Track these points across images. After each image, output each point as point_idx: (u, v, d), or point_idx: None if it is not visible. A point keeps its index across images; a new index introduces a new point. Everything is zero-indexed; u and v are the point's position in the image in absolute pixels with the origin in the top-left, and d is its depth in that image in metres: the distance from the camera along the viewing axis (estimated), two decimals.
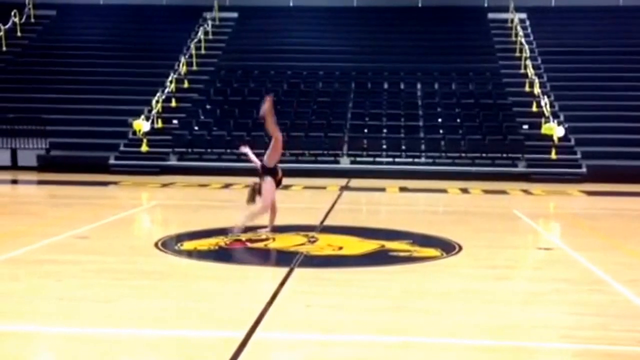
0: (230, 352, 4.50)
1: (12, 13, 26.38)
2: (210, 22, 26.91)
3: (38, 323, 5.20)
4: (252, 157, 9.31)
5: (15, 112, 21.23)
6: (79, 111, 21.90)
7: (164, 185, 16.63)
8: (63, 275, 6.71)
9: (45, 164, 19.99)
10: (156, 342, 4.81)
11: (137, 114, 21.07)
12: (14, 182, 18.33)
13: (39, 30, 27.24)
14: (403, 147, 20.43)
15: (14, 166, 20.63)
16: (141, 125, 20.29)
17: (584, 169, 19.13)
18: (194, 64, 24.53)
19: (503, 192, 16.11)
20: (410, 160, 20.06)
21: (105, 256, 7.77)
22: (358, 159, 20.16)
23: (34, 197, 15.92)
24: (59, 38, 26.46)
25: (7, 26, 26.01)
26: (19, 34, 26.47)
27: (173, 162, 20.23)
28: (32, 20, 27.58)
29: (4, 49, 25.49)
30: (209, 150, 20.28)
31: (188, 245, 8.51)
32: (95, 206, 12.60)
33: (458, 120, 21.41)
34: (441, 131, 20.89)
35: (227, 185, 16.69)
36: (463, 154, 19.97)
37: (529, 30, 26.33)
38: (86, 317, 5.34)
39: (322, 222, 10.67)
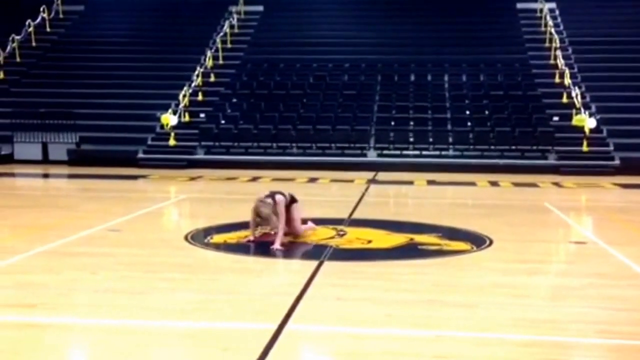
0: (262, 344, 4.52)
1: (41, 9, 26.67)
2: (235, 16, 26.95)
3: (73, 315, 5.28)
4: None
5: (45, 106, 21.48)
6: (107, 105, 22.11)
7: (192, 179, 16.73)
8: (97, 267, 6.79)
9: (76, 158, 20.23)
10: (189, 334, 4.84)
11: (164, 108, 21.21)
12: (46, 175, 18.58)
13: (67, 26, 27.52)
14: (430, 140, 20.29)
15: (45, 160, 20.91)
16: (169, 119, 20.43)
17: (616, 161, 18.82)
18: (220, 57, 24.60)
19: (533, 184, 15.92)
20: (438, 153, 19.92)
21: (137, 249, 7.86)
22: (385, 152, 20.08)
23: (66, 190, 16.13)
24: (87, 33, 26.69)
25: (36, 22, 26.32)
26: (48, 29, 26.75)
27: (200, 155, 20.33)
28: (61, 15, 27.87)
29: (34, 44, 25.79)
30: (235, 143, 20.34)
31: (217, 238, 8.56)
32: (126, 199, 12.72)
33: (486, 112, 21.20)
34: (469, 123, 20.71)
35: (254, 179, 16.73)
36: (492, 147, 19.76)
37: (559, 19, 25.97)
38: (121, 309, 5.40)
39: (350, 215, 10.65)
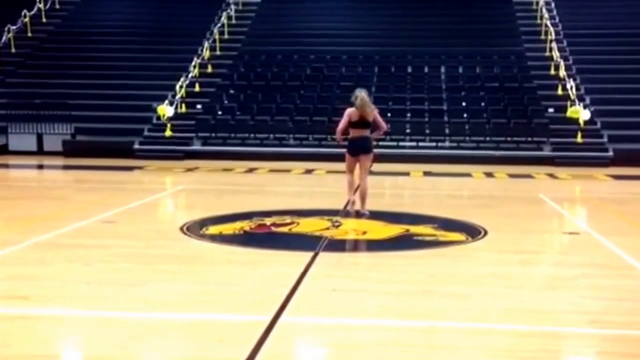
0: (256, 335, 4.53)
1: None
2: (233, 7, 26.86)
3: (67, 307, 5.27)
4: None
5: (40, 97, 21.40)
6: (103, 96, 22.04)
7: (188, 170, 16.73)
8: (91, 259, 6.79)
9: (71, 149, 20.16)
10: (183, 325, 4.85)
11: (161, 99, 21.15)
12: (40, 167, 18.56)
13: (63, 16, 27.39)
14: (427, 131, 20.30)
15: (40, 151, 20.84)
16: (165, 110, 20.37)
17: (610, 153, 18.88)
18: (218, 48, 24.54)
19: (528, 176, 15.97)
20: (434, 144, 19.93)
21: (131, 240, 7.85)
22: (381, 143, 20.04)
23: (60, 182, 16.10)
24: (83, 24, 26.59)
25: (32, 12, 26.20)
26: (43, 19, 26.63)
27: (197, 146, 20.30)
28: (57, 6, 27.72)
29: (29, 34, 25.67)
30: (232, 134, 20.32)
31: (213, 229, 8.55)
32: (121, 191, 12.71)
33: (482, 103, 21.22)
34: (465, 115, 20.72)
35: (251, 170, 16.74)
36: (487, 138, 19.78)
37: (555, 12, 25.93)
38: (114, 300, 5.40)
39: (345, 206, 10.65)
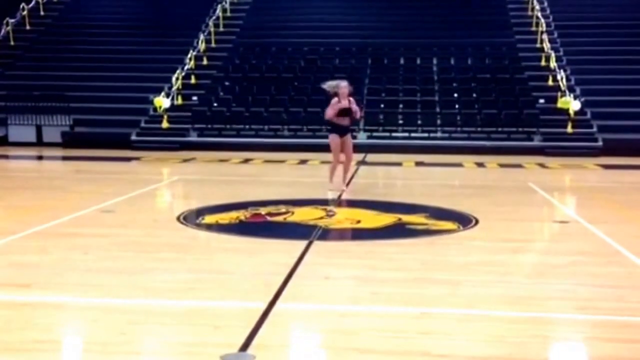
0: (252, 323, 4.61)
1: None
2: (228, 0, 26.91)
3: (66, 294, 5.36)
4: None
5: (39, 89, 21.44)
6: (101, 88, 22.08)
7: (185, 161, 16.82)
8: (89, 248, 6.89)
9: (70, 140, 20.26)
10: (180, 312, 4.94)
11: (157, 91, 21.21)
12: (40, 157, 18.62)
13: (61, 9, 27.35)
14: (419, 122, 20.43)
15: (39, 142, 20.93)
16: (161, 101, 20.44)
17: (600, 143, 19.04)
18: (213, 41, 24.58)
19: (519, 165, 16.11)
20: (426, 134, 20.07)
21: (129, 229, 7.97)
22: (374, 134, 20.21)
23: (60, 172, 16.17)
24: (81, 16, 26.57)
25: (30, 5, 26.20)
26: (42, 12, 26.62)
27: (193, 137, 20.40)
28: None
29: (28, 27, 25.68)
30: (228, 126, 20.42)
31: (209, 218, 8.66)
32: (119, 181, 12.79)
33: (474, 94, 21.34)
34: (457, 106, 20.84)
35: (246, 160, 16.85)
36: (479, 128, 19.93)
37: (545, 3, 26.03)
38: (112, 288, 5.49)
39: (339, 196, 10.80)
